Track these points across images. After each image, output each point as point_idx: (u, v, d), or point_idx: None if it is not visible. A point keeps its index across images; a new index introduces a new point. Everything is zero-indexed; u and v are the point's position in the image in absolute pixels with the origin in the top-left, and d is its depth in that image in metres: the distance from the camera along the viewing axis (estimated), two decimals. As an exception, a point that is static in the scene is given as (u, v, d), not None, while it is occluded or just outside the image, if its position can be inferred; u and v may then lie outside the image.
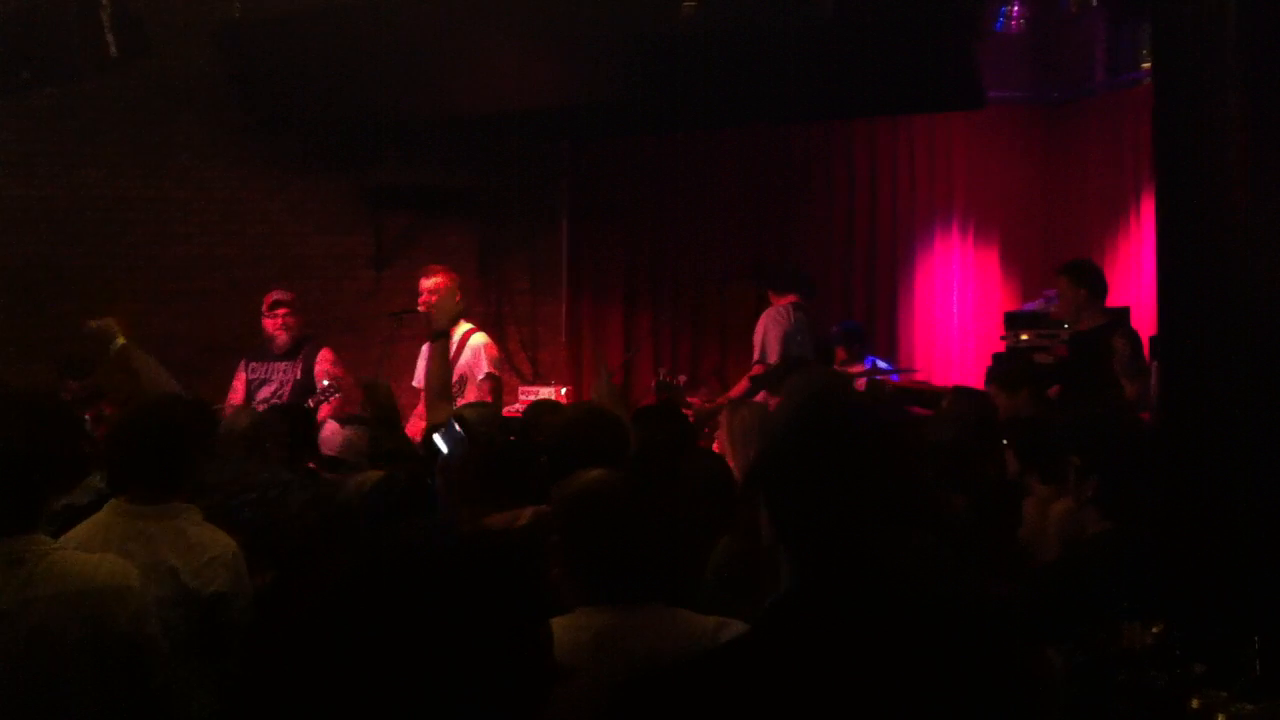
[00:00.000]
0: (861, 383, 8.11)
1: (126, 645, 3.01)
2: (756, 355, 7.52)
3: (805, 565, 1.91)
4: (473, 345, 7.20)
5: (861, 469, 1.92)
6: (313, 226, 9.30)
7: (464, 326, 7.30)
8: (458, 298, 7.27)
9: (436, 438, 4.23)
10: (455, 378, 7.08)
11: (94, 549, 3.31)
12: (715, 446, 5.55)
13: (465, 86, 7.99)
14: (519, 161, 9.42)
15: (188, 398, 5.34)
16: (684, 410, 6.78)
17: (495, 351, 7.33)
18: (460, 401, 7.00)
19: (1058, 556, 3.29)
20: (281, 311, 7.36)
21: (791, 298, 7.68)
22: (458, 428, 4.23)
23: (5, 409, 3.57)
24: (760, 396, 6.71)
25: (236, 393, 7.46)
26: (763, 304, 7.93)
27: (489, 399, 7.02)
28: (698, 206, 9.75)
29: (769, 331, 7.49)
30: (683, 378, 8.24)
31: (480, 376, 7.10)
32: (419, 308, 7.21)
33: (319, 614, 1.89)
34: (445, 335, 6.69)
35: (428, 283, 7.22)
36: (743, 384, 7.42)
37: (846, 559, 1.89)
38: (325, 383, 6.99)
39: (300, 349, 7.37)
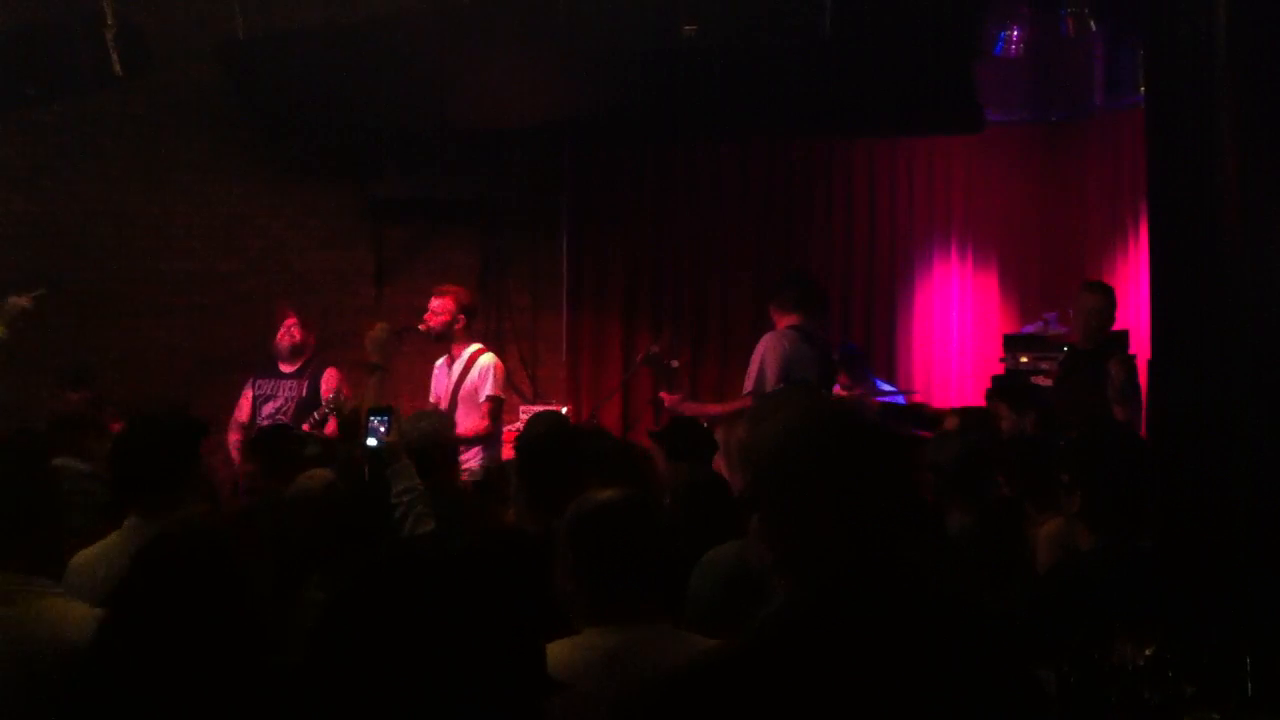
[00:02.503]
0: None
1: None
2: (750, 386, 6.79)
3: (809, 577, 1.93)
4: (480, 365, 7.12)
5: (865, 482, 1.95)
6: (314, 241, 9.32)
7: (472, 347, 7.24)
8: (459, 324, 7.18)
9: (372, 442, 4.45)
10: (461, 397, 7.08)
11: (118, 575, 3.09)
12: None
13: (466, 101, 8.03)
14: (520, 175, 9.44)
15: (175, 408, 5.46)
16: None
17: (503, 373, 7.27)
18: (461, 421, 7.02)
19: (1044, 573, 3.30)
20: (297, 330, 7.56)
21: (794, 318, 6.91)
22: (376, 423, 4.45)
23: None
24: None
25: (242, 410, 7.48)
26: (761, 321, 7.75)
27: (487, 421, 7.00)
28: (699, 224, 9.76)
29: (766, 361, 6.75)
30: (676, 362, 7.89)
31: (481, 398, 7.04)
32: (420, 326, 7.19)
33: (323, 617, 1.90)
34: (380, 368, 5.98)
35: (433, 304, 7.18)
36: (732, 405, 6.92)
37: (852, 572, 1.91)
38: (329, 397, 7.00)
39: (308, 367, 7.40)
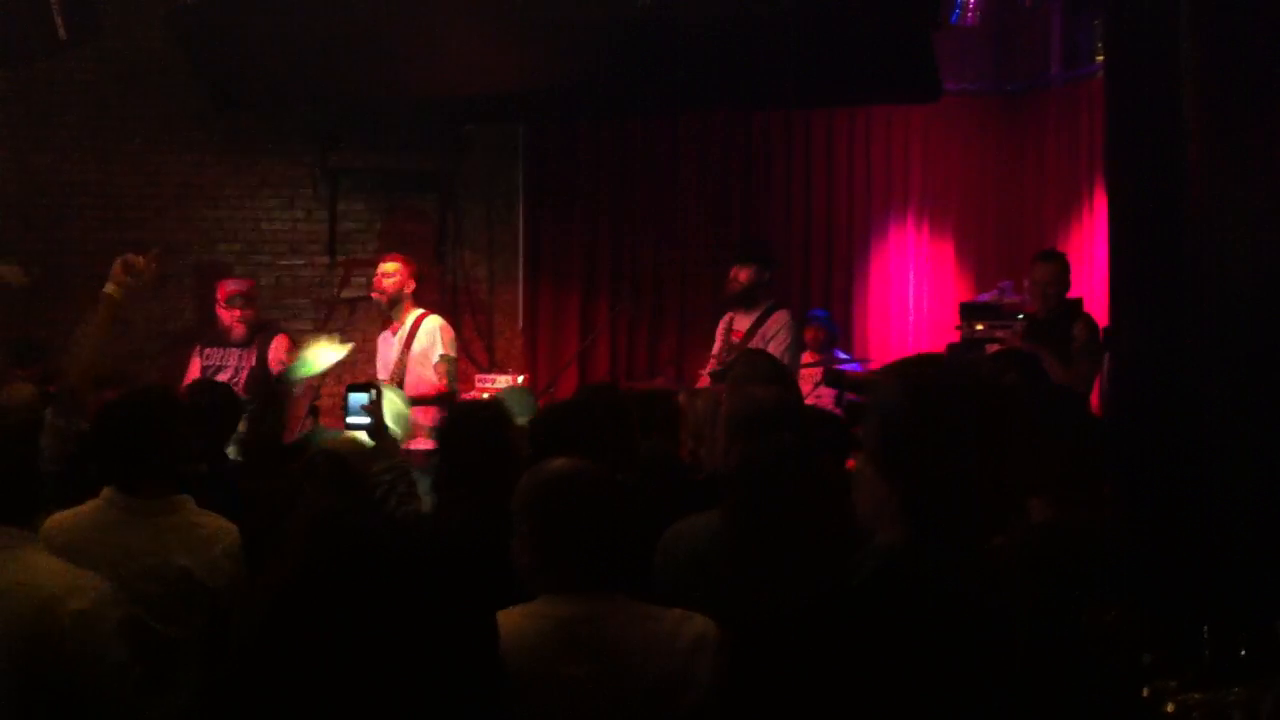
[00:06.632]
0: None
1: (63, 665, 2.82)
2: (789, 359, 6.69)
3: (924, 523, 2.06)
4: (428, 328, 7.19)
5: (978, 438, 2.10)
6: (267, 211, 9.22)
7: (416, 312, 7.27)
8: (409, 289, 7.25)
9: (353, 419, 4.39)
10: (411, 362, 7.08)
11: (87, 543, 3.36)
12: None
13: (423, 70, 7.92)
14: (477, 146, 9.36)
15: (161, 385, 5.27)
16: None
17: (451, 334, 7.32)
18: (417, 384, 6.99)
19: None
20: (238, 305, 7.28)
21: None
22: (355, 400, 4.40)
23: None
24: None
25: (192, 378, 7.41)
26: (722, 293, 7.65)
27: (444, 380, 7.04)
28: (656, 194, 9.73)
29: (788, 341, 6.87)
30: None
31: (435, 358, 7.09)
32: (373, 294, 7.24)
33: (276, 605, 1.87)
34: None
35: (384, 268, 7.24)
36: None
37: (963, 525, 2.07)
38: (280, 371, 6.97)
39: (255, 336, 7.29)
